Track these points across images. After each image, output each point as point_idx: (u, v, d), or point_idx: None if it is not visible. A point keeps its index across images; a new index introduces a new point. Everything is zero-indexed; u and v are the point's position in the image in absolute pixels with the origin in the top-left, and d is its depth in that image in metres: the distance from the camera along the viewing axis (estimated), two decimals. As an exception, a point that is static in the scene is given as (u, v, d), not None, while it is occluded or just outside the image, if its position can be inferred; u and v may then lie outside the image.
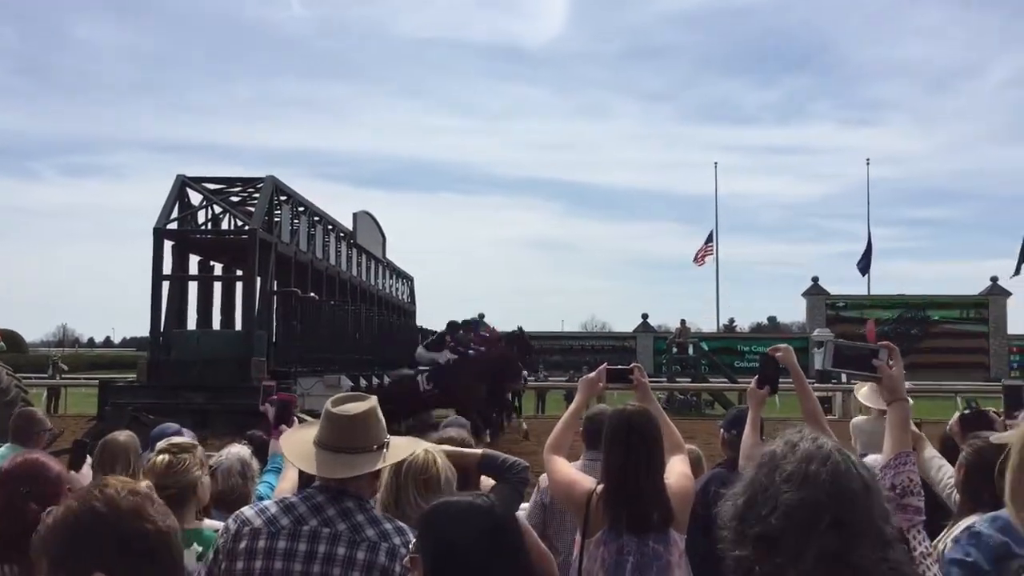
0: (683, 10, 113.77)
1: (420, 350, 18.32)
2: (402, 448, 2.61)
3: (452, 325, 18.33)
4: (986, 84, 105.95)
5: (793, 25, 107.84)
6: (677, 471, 3.21)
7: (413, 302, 27.11)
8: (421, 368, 17.41)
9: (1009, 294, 38.81)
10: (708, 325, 45.74)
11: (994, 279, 39.07)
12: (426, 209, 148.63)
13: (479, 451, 3.23)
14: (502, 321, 29.29)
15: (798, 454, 1.52)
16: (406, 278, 26.72)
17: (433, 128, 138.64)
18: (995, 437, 2.39)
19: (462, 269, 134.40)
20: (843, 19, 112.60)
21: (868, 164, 45.74)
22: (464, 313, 28.57)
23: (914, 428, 3.30)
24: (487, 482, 3.11)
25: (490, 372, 16.88)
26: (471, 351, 17.10)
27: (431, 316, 29.22)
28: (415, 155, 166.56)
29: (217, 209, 15.26)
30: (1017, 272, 39.09)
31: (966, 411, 4.26)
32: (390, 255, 23.84)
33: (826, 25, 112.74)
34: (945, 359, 36.04)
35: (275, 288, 14.87)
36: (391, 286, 24.46)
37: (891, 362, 2.39)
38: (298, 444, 2.63)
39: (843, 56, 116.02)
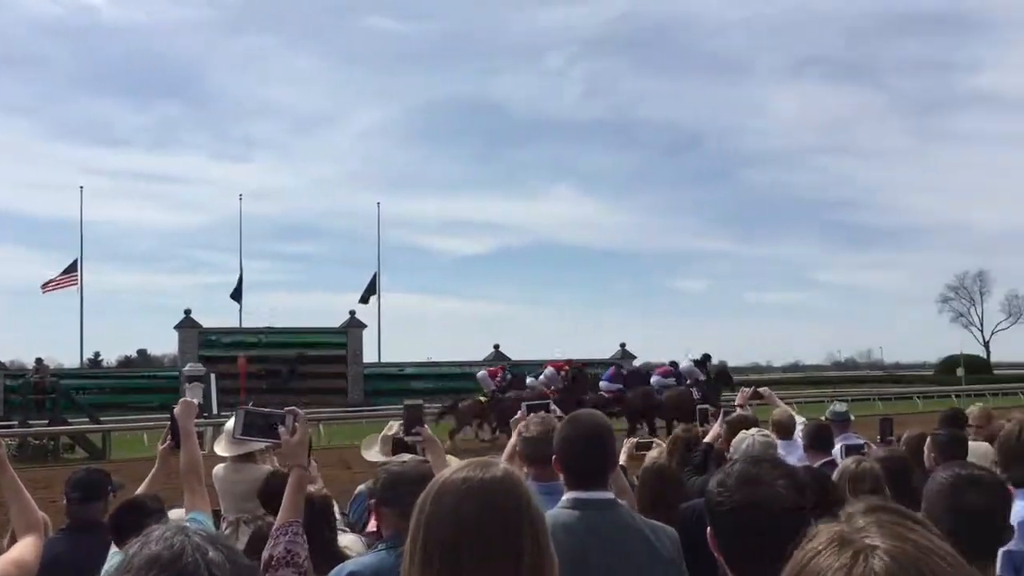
0: (55, 18, 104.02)
1: None
2: None
3: None
4: (346, 131, 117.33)
5: (170, 50, 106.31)
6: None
7: None
8: None
9: (365, 326, 43.14)
10: (71, 359, 42.06)
11: (352, 312, 43.07)
12: None
13: None
14: None
15: None
16: None
17: None
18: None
19: None
20: (214, 55, 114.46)
21: (241, 198, 47.19)
22: None
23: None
24: None
25: None
26: None
27: None
28: None
29: None
30: (364, 301, 44.27)
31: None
32: None
33: (199, 55, 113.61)
34: (310, 385, 38.50)
35: None
36: None
37: (295, 425, 2.37)
38: None
39: (217, 89, 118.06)
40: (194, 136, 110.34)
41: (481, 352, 45.65)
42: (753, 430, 4.68)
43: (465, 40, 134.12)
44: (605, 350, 47.86)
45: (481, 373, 26.56)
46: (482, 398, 24.69)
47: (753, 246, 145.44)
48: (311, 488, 3.43)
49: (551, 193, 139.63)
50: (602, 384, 23.95)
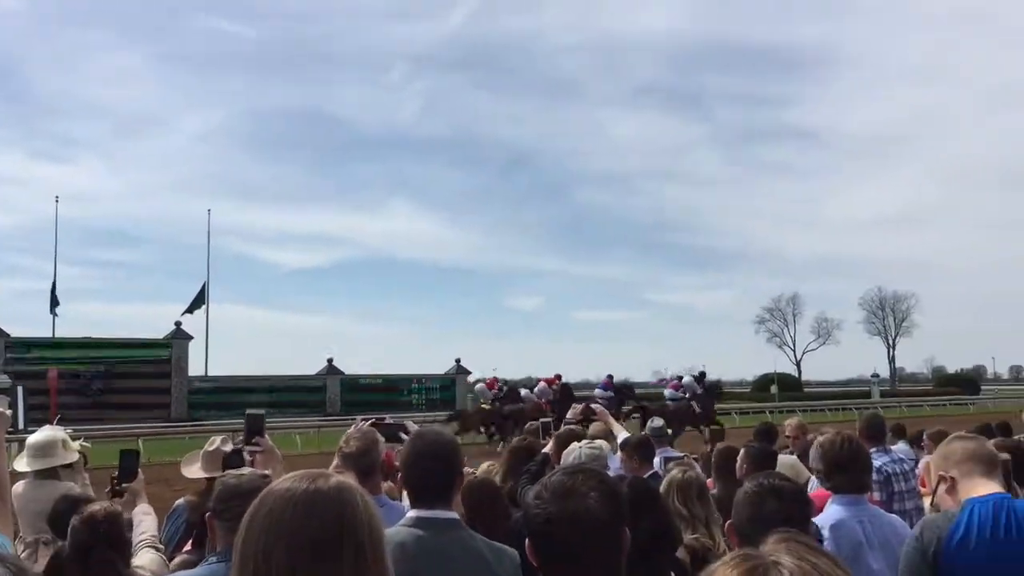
0: None
1: None
2: None
3: None
4: (175, 135, 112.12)
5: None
6: None
7: None
8: None
9: (191, 337, 41.22)
10: None
11: (178, 323, 41.06)
12: None
13: None
14: None
15: None
16: None
17: None
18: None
19: None
20: (31, 47, 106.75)
21: (58, 201, 44.15)
22: None
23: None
24: None
25: None
26: None
27: None
28: None
29: None
30: (190, 311, 42.51)
31: None
32: None
33: (15, 48, 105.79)
34: (130, 400, 36.48)
35: None
36: None
37: None
38: None
39: (35, 85, 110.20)
40: (8, 133, 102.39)
41: (314, 366, 44.76)
42: (583, 442, 4.81)
43: (303, 47, 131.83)
44: (440, 365, 48.01)
45: (480, 386, 30.34)
46: (485, 406, 27.99)
47: (585, 265, 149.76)
48: (97, 506, 3.28)
49: (389, 208, 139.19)
50: (596, 392, 25.88)
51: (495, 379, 30.65)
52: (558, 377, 28.21)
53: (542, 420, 4.30)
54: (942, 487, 2.87)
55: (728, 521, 2.51)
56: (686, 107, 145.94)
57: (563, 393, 26.30)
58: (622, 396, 26.20)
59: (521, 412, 25.04)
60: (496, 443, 25.21)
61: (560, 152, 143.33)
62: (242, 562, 1.49)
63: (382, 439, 3.67)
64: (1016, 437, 6.25)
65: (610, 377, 27.76)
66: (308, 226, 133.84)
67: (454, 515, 2.79)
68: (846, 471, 3.61)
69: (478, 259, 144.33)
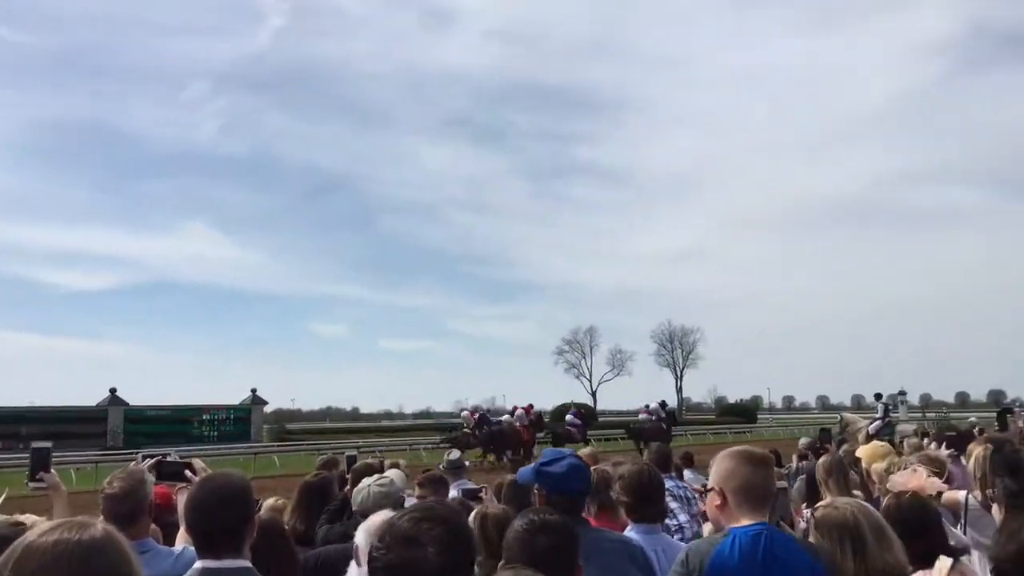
0: None
1: None
2: None
3: None
4: None
5: None
6: None
7: None
8: None
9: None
10: None
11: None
12: None
13: None
14: None
15: None
16: None
17: None
18: None
19: None
20: None
21: None
22: None
23: None
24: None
25: None
26: None
27: None
28: None
29: None
30: None
31: None
32: None
33: None
34: None
35: None
36: None
37: None
38: None
39: None
40: None
41: (96, 396, 41.70)
42: (374, 477, 4.73)
43: (92, 58, 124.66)
44: (235, 396, 46.04)
45: (464, 412, 36.28)
46: (467, 430, 32.71)
47: (390, 293, 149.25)
48: None
49: (182, 229, 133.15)
50: (568, 418, 35.97)
51: (475, 408, 36.55)
52: (531, 406, 34.36)
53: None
54: (714, 499, 2.93)
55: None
56: (493, 141, 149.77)
57: (537, 419, 33.79)
58: (586, 424, 35.97)
59: (502, 434, 31.80)
60: (490, 461, 30.70)
61: (367, 179, 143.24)
62: None
63: (151, 478, 3.41)
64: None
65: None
66: (92, 246, 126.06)
67: (245, 564, 2.62)
68: (653, 502, 3.80)
69: (279, 284, 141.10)
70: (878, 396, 34.81)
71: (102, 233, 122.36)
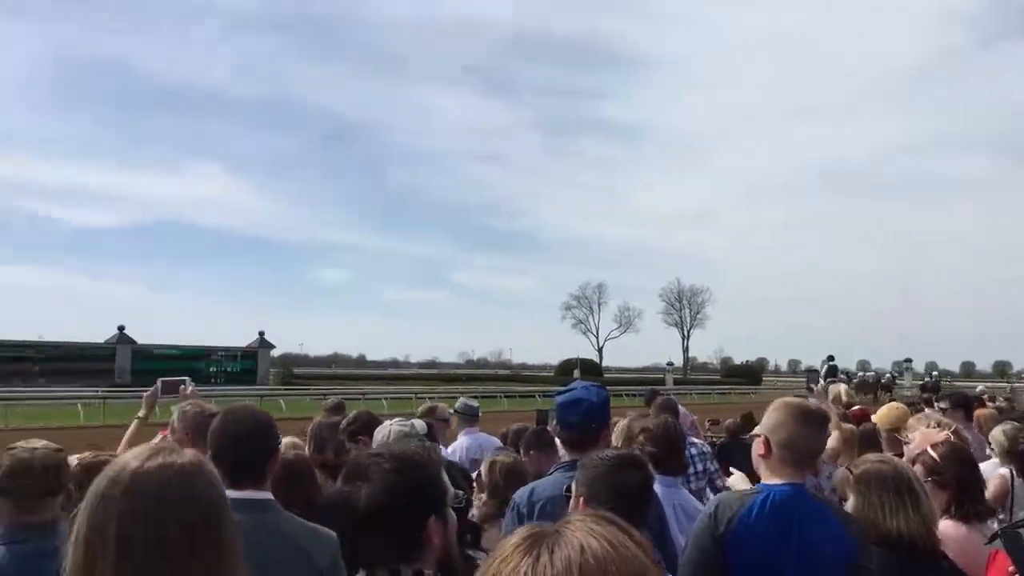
0: None
1: None
2: None
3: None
4: None
5: None
6: None
7: None
8: None
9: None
10: None
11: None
12: None
13: None
14: None
15: None
16: None
17: None
18: None
19: None
20: None
21: None
22: None
23: None
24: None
25: None
26: None
27: None
28: None
29: None
30: None
31: None
32: None
33: None
34: None
35: None
36: None
37: None
38: None
39: None
40: None
41: (100, 333, 41.98)
42: (396, 419, 4.67)
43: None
44: (241, 338, 46.33)
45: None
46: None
47: (396, 242, 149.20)
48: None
49: (192, 170, 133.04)
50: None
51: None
52: None
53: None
54: (759, 447, 2.80)
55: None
56: (507, 93, 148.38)
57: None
58: None
59: None
60: None
61: (380, 125, 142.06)
62: (123, 551, 1.37)
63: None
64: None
65: None
66: (99, 182, 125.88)
67: (267, 496, 2.64)
68: (679, 453, 3.77)
69: (287, 229, 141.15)
70: (830, 358, 37.34)
71: (110, 170, 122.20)
